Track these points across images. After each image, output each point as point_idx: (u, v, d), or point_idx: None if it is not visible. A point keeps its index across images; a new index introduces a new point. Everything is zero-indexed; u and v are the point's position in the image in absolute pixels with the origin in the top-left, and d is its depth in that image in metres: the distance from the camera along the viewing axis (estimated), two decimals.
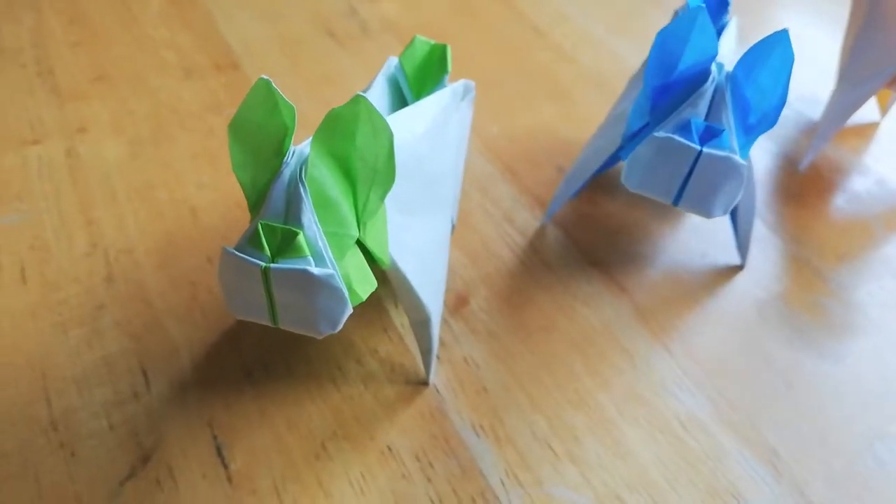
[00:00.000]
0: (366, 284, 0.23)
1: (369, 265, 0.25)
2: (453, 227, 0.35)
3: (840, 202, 0.44)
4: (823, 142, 0.44)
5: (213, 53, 0.50)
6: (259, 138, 0.23)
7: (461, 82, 0.31)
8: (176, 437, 0.29)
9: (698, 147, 0.28)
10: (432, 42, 0.31)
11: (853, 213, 0.43)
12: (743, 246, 0.38)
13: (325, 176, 0.22)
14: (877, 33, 0.42)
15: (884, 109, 0.49)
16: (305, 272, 0.21)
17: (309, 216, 0.22)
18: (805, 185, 0.45)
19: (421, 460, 0.29)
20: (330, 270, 0.21)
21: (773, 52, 0.28)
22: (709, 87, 0.29)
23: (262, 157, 0.23)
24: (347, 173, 0.23)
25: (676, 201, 0.29)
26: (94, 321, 0.33)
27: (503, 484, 0.29)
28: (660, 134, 0.28)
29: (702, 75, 0.29)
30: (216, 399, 0.31)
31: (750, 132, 0.30)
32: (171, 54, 0.50)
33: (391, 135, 0.22)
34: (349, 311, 0.22)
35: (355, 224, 0.23)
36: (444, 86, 0.31)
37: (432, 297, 0.29)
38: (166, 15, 0.54)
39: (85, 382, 0.31)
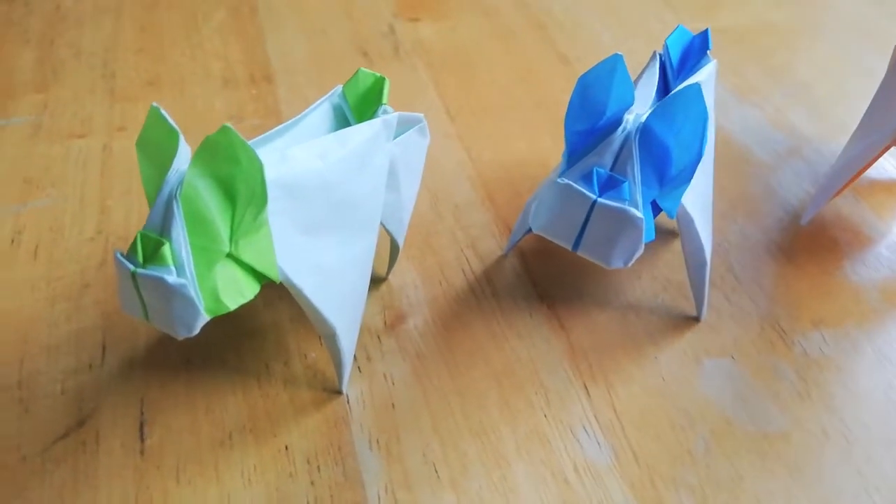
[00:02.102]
0: (237, 296, 0.26)
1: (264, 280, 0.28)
2: (398, 250, 0.37)
3: (837, 263, 0.41)
4: (826, 194, 0.41)
5: (252, 66, 0.55)
6: (160, 157, 0.26)
7: (396, 115, 0.33)
8: (110, 407, 0.33)
9: (593, 197, 0.28)
10: (376, 74, 0.33)
11: (849, 277, 0.40)
12: (698, 298, 0.37)
13: (201, 195, 0.25)
14: (894, 89, 0.39)
15: None
16: (161, 279, 0.24)
17: (178, 230, 0.24)
18: (802, 240, 0.42)
19: (311, 463, 0.31)
20: (184, 280, 0.24)
21: (691, 106, 0.28)
22: (617, 137, 0.29)
23: (164, 173, 0.26)
24: (229, 193, 0.25)
25: (575, 247, 0.29)
26: (79, 298, 0.38)
27: (379, 498, 0.30)
28: (560, 180, 0.29)
29: (616, 124, 0.29)
30: (154, 379, 0.34)
31: (669, 185, 0.29)
32: (218, 64, 0.55)
33: (260, 163, 0.25)
34: (203, 318, 0.25)
35: (228, 240, 0.26)
36: (377, 116, 0.33)
37: (340, 314, 0.31)
38: (225, 27, 0.60)
39: (55, 350, 0.35)
